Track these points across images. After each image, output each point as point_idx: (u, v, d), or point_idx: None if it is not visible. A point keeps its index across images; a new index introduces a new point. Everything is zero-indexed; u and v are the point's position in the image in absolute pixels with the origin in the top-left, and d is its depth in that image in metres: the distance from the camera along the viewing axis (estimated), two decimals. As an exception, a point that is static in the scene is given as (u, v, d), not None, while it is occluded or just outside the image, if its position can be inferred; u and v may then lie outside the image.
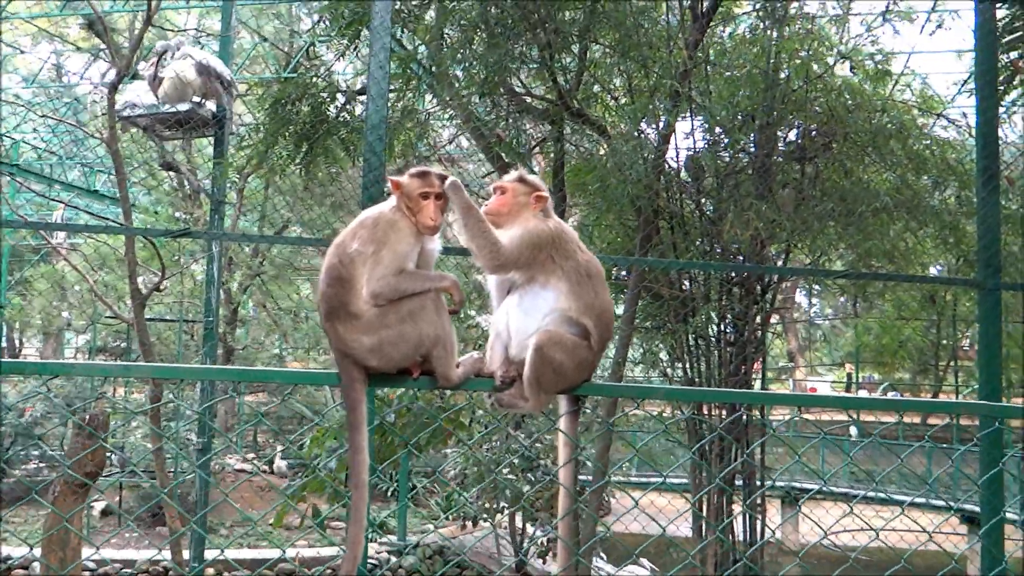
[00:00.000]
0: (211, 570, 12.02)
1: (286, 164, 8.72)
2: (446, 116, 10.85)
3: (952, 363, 28.09)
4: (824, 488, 18.33)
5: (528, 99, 9.39)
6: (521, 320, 2.94)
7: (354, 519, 2.75)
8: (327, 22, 9.34)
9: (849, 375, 30.08)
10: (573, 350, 2.86)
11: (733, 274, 9.04)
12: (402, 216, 2.90)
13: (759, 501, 9.46)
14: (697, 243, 9.20)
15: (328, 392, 18.50)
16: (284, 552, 12.92)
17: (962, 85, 14.15)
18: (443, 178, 2.94)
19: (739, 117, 8.75)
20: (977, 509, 18.05)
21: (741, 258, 8.96)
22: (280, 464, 18.30)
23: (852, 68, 9.34)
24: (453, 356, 2.86)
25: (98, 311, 18.73)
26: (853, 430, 23.07)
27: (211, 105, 10.54)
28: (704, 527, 9.08)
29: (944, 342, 26.89)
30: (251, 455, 20.04)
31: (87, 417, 6.90)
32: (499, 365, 2.99)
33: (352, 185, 13.96)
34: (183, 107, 10.37)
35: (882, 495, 17.48)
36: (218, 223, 10.06)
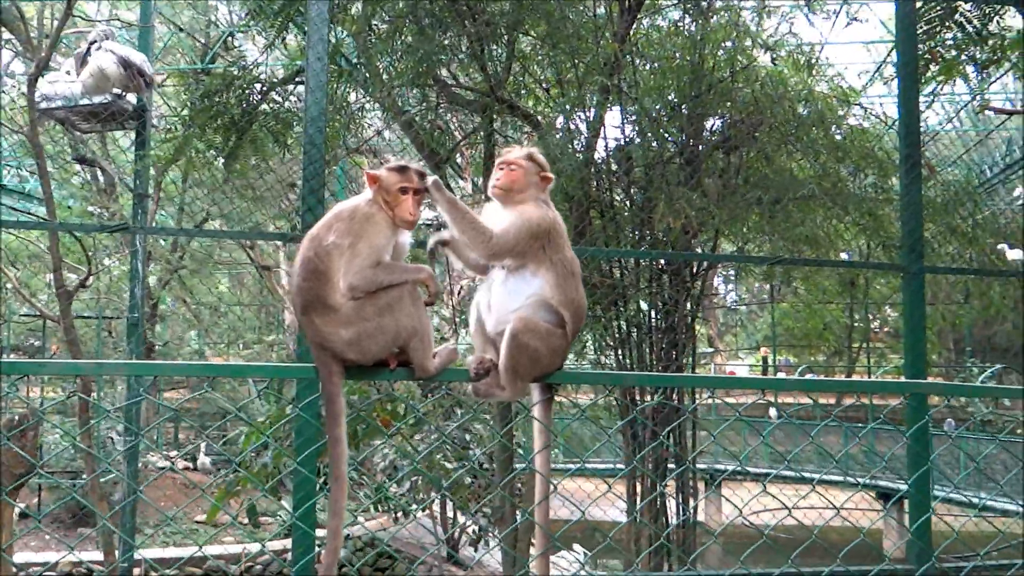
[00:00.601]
0: (137, 570, 11.78)
1: (213, 156, 8.56)
2: (374, 108, 10.77)
3: (865, 345, 28.96)
4: (744, 469, 18.78)
5: (458, 90, 9.39)
6: (504, 298, 2.99)
7: (333, 511, 2.76)
8: (252, 13, 9.19)
9: (765, 359, 30.79)
10: (547, 337, 2.91)
11: (663, 262, 9.19)
12: (378, 209, 2.91)
13: (691, 483, 9.66)
14: (628, 232, 9.31)
15: (251, 386, 18.26)
16: (201, 549, 12.72)
17: (873, 74, 14.62)
18: (422, 174, 2.96)
19: (667, 108, 8.89)
20: (891, 485, 18.72)
21: (670, 248, 9.10)
22: (204, 460, 18.00)
23: (773, 59, 9.57)
24: (430, 347, 2.89)
25: (10, 308, 18.13)
26: (772, 412, 23.65)
27: (131, 97, 10.28)
28: (636, 511, 9.24)
29: (857, 325, 27.69)
30: (173, 452, 19.66)
31: (14, 418, 6.72)
32: (476, 337, 3.04)
33: (275, 176, 13.77)
34: (101, 99, 10.09)
35: (802, 474, 17.99)
36: (141, 217, 9.83)
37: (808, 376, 27.46)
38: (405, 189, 2.92)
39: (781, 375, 29.12)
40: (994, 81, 12.43)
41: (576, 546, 14.22)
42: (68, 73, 9.75)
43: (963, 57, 8.28)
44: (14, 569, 11.81)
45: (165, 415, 19.19)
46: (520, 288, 2.98)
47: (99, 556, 10.32)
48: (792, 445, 20.04)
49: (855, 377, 27.63)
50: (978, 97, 13.94)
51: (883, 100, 15.76)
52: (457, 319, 12.35)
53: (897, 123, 6.73)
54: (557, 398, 3.30)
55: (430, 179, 2.97)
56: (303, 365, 2.98)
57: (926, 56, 7.74)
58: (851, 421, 21.95)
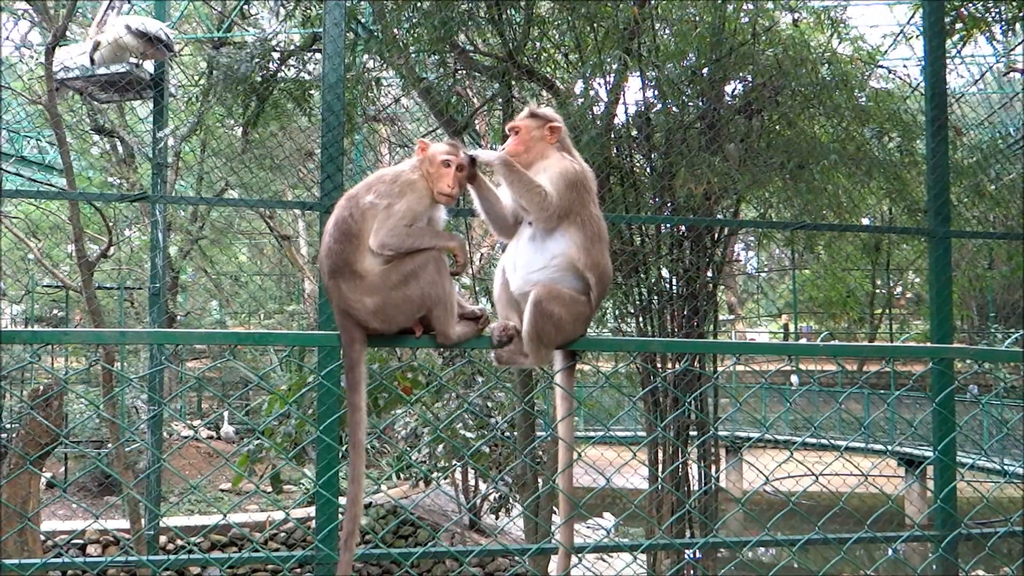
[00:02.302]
0: (164, 538, 11.93)
1: (232, 125, 8.56)
2: (391, 75, 10.73)
3: (887, 311, 28.78)
4: (766, 436, 18.76)
5: (476, 56, 9.32)
6: (530, 256, 2.97)
7: (353, 477, 2.77)
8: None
9: (786, 326, 30.66)
10: (571, 304, 2.89)
11: (684, 228, 9.14)
12: (421, 178, 2.91)
13: (714, 451, 9.66)
14: (649, 198, 9.26)
15: (272, 355, 18.37)
16: (225, 517, 12.84)
17: (897, 36, 14.41)
18: (472, 160, 2.95)
19: (688, 72, 8.80)
20: (914, 452, 18.67)
21: (691, 214, 9.05)
22: (227, 429, 18.15)
23: (795, 21, 9.45)
24: (453, 316, 2.88)
25: (33, 279, 18.28)
26: (794, 379, 23.60)
27: (149, 66, 10.27)
28: (660, 478, 9.26)
29: (879, 291, 27.51)
30: (197, 421, 19.84)
31: (40, 388, 6.77)
32: (500, 300, 3.03)
33: (293, 144, 13.75)
34: (119, 68, 10.08)
35: (823, 441, 17.94)
36: (160, 187, 9.86)
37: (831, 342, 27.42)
38: (448, 163, 2.91)
39: (803, 341, 29.11)
40: (1021, 43, 12.23)
41: (607, 514, 14.27)
42: (91, 43, 9.73)
43: (989, 16, 8.15)
44: (42, 537, 11.99)
45: (188, 384, 19.36)
46: (548, 247, 2.96)
47: (126, 524, 10.43)
48: (814, 412, 20.00)
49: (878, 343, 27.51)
50: (1003, 60, 13.73)
51: (907, 62, 15.55)
52: (477, 288, 12.34)
53: (922, 84, 6.63)
54: (579, 365, 3.29)
55: (482, 154, 2.95)
56: (325, 333, 2.99)
57: (952, 14, 7.61)
58: (875, 388, 21.88)
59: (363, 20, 9.23)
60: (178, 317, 18.97)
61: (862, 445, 18.61)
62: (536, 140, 3.09)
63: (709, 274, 9.45)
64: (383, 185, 2.86)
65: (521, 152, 3.06)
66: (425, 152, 2.95)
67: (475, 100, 10.89)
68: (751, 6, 8.84)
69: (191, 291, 22.62)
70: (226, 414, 18.17)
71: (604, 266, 2.98)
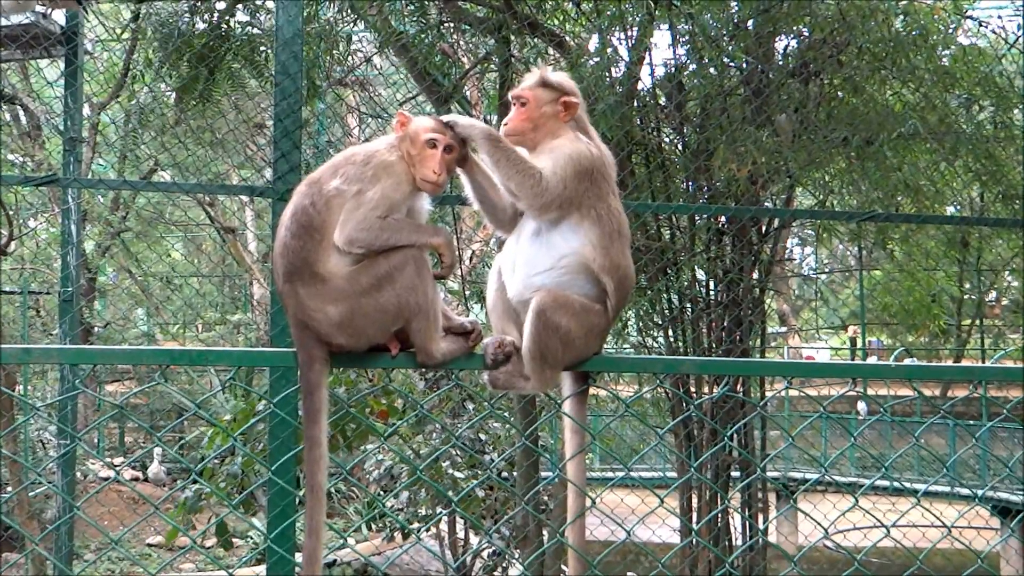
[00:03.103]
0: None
1: (168, 88, 8.58)
2: (361, 29, 10.74)
3: (978, 321, 28.77)
4: (826, 478, 18.77)
5: (466, 5, 9.34)
6: (533, 256, 2.95)
7: (311, 529, 2.78)
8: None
9: (853, 340, 30.65)
10: (582, 314, 2.89)
11: (724, 219, 9.15)
12: (400, 159, 2.90)
13: (761, 496, 9.66)
14: (680, 182, 9.27)
15: (213, 377, 18.37)
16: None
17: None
18: (462, 141, 2.95)
19: (729, 25, 8.81)
20: (1011, 497, 18.67)
21: (733, 202, 9.06)
22: (157, 469, 18.15)
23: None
24: (437, 329, 2.88)
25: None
26: (861, 406, 23.59)
27: (59, 16, 10.27)
28: (693, 530, 9.26)
29: (968, 297, 27.52)
30: (119, 459, 19.84)
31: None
32: (495, 310, 3.02)
33: (240, 115, 13.76)
34: (22, 19, 10.08)
35: (897, 484, 17.96)
36: (74, 167, 9.86)
37: (907, 361, 27.37)
38: (435, 142, 2.91)
39: (873, 360, 29.03)
40: None
41: (629, 575, 14.26)
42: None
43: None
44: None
45: (107, 413, 19.35)
46: (555, 244, 2.95)
47: (29, 587, 10.43)
48: (887, 448, 19.98)
49: (966, 363, 27.48)
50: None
51: (1002, 13, 15.55)
52: (468, 292, 12.35)
53: (1022, 39, 6.65)
54: (593, 390, 3.29)
55: (462, 120, 2.95)
56: (278, 351, 3.00)
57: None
58: (961, 418, 21.87)
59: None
60: (96, 329, 18.98)
61: (946, 489, 18.59)
62: (547, 117, 3.08)
63: (755, 276, 9.46)
64: (352, 167, 2.86)
65: (527, 130, 3.05)
66: (405, 128, 2.95)
67: (465, 60, 10.90)
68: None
69: (112, 296, 22.60)
70: (156, 450, 18.17)
71: (625, 268, 2.98)
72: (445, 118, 3.01)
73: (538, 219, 3.00)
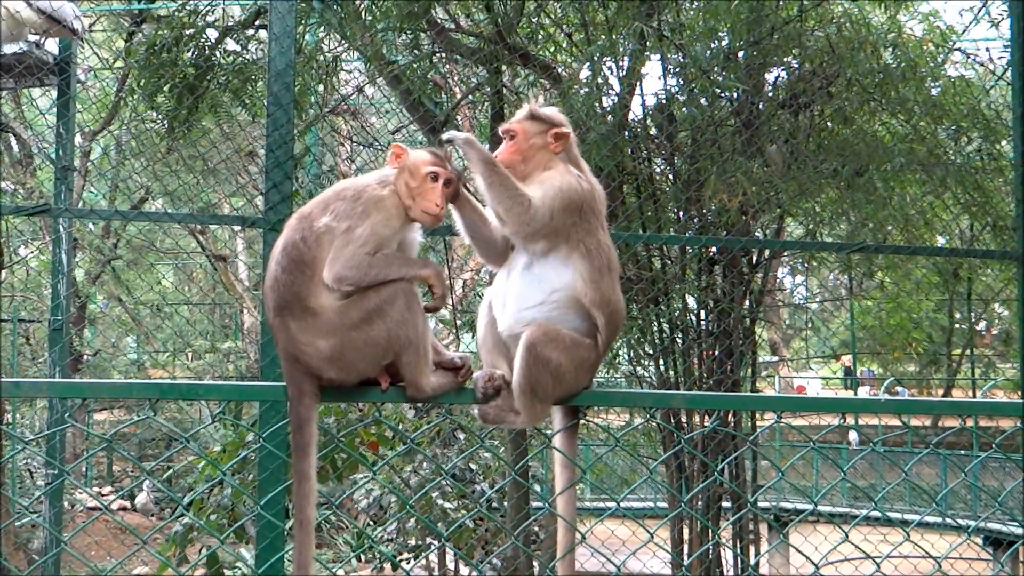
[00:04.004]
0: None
1: (156, 120, 8.58)
2: (353, 59, 10.78)
3: (968, 351, 28.78)
4: (819, 509, 18.70)
5: (458, 35, 9.37)
6: (523, 290, 2.95)
7: (299, 563, 2.76)
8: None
9: (848, 369, 30.61)
10: (572, 348, 2.88)
11: (715, 250, 9.16)
12: (392, 194, 2.90)
13: (752, 527, 9.63)
14: (671, 212, 9.29)
15: (203, 406, 18.29)
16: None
17: (979, 12, 14.52)
18: (458, 175, 2.97)
19: (720, 56, 8.85)
20: (1003, 529, 18.61)
21: (724, 232, 9.07)
22: (145, 499, 18.05)
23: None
24: (427, 363, 2.87)
25: None
26: (853, 436, 23.56)
27: (52, 46, 10.29)
28: (684, 561, 9.22)
29: (958, 326, 27.54)
30: (107, 489, 19.73)
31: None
32: (485, 344, 3.01)
33: (232, 144, 13.78)
34: (15, 49, 10.10)
35: (889, 515, 17.91)
36: (65, 195, 9.85)
37: (897, 391, 27.35)
38: (436, 175, 2.92)
39: (864, 391, 29.02)
40: None
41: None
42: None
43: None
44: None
45: (97, 445, 19.27)
46: (546, 278, 2.95)
47: (15, 619, 10.33)
48: (878, 478, 19.94)
49: (956, 392, 27.47)
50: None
51: (990, 45, 15.65)
52: (459, 322, 12.33)
53: (1009, 72, 6.68)
54: (584, 420, 3.28)
55: (461, 135, 2.96)
56: (267, 385, 2.99)
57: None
58: (952, 448, 21.85)
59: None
60: (85, 357, 18.93)
61: (938, 520, 18.54)
62: (536, 149, 3.08)
63: (746, 306, 9.46)
64: (343, 203, 2.86)
65: (517, 162, 3.06)
66: (402, 160, 2.95)
67: (457, 90, 10.93)
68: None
69: (102, 324, 22.56)
70: (145, 483, 18.07)
71: (615, 303, 2.98)
72: (445, 135, 3.01)
73: (524, 247, 3.00)
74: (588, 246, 2.96)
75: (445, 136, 3.01)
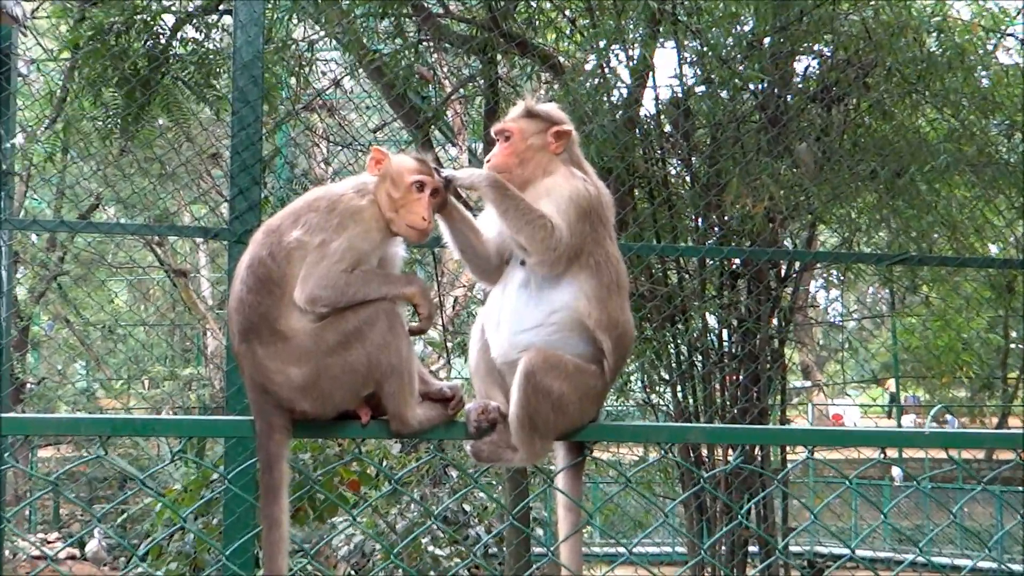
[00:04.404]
0: None
1: (106, 118, 8.58)
2: (330, 48, 10.79)
3: (1026, 375, 28.69)
4: (857, 553, 18.59)
5: (447, 22, 9.39)
6: (520, 309, 2.94)
7: (269, 624, 2.74)
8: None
9: (894, 395, 30.50)
10: (576, 376, 2.86)
11: (738, 262, 9.16)
12: (371, 203, 2.89)
13: (781, 574, 9.61)
14: (688, 220, 9.28)
15: (162, 441, 18.22)
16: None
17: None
18: (448, 183, 2.97)
19: (742, 44, 8.86)
20: (1066, 574, 18.53)
21: (748, 242, 9.07)
22: (96, 547, 17.97)
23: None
24: (413, 392, 2.85)
25: None
26: (896, 472, 23.45)
27: (-11, 36, 10.30)
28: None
29: (1015, 346, 27.47)
30: (53, 536, 19.65)
31: None
32: (478, 372, 3.00)
33: (193, 146, 13.77)
34: (-53, 39, 10.12)
35: (937, 560, 17.85)
36: (5, 203, 9.86)
37: (946, 420, 27.28)
38: (422, 184, 2.92)
39: (909, 420, 28.94)
40: None
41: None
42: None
43: None
44: None
45: (41, 487, 19.20)
46: (546, 296, 2.94)
47: None
48: (924, 519, 19.88)
49: (1013, 421, 27.40)
50: None
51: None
52: (449, 344, 12.32)
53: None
54: (591, 457, 3.27)
55: (460, 174, 2.96)
56: (233, 419, 2.99)
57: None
58: (1008, 484, 21.77)
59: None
60: (28, 385, 18.86)
61: (992, 566, 18.50)
62: (535, 150, 3.08)
63: (774, 325, 9.46)
64: (315, 215, 2.86)
65: (513, 165, 3.06)
66: (383, 167, 2.94)
67: (446, 83, 10.94)
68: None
69: (47, 349, 22.51)
70: (97, 529, 18.00)
71: (623, 325, 2.97)
72: (445, 174, 3.00)
73: (547, 272, 2.99)
74: (596, 259, 2.96)
75: (445, 175, 3.00)
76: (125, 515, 17.31)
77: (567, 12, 9.77)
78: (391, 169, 2.94)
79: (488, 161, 3.08)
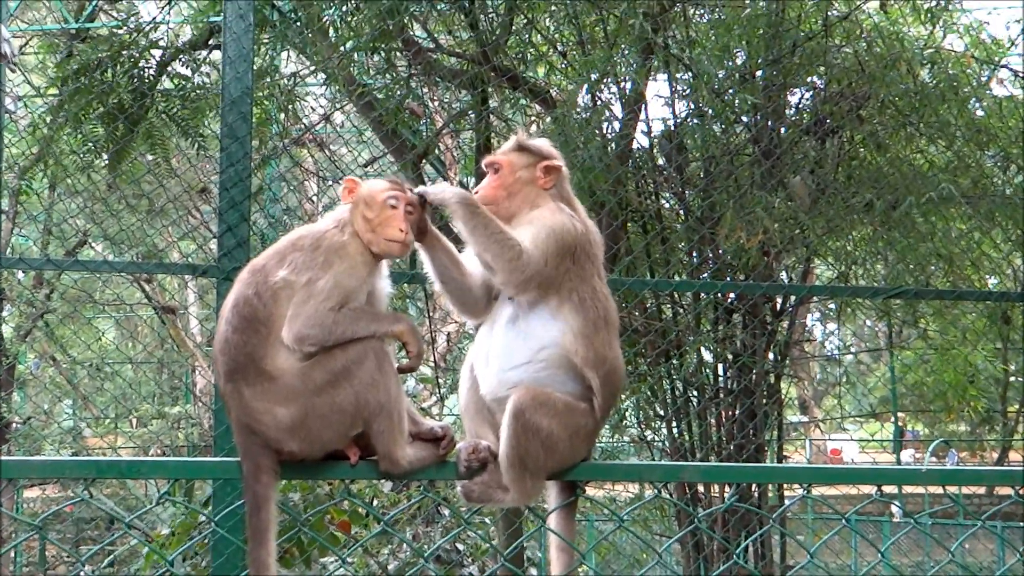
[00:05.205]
0: None
1: (94, 154, 8.60)
2: (319, 82, 10.82)
3: (1026, 407, 28.66)
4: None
5: (438, 56, 9.42)
6: (508, 345, 2.94)
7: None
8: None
9: (900, 428, 30.42)
10: (566, 414, 2.87)
11: (733, 296, 9.16)
12: (353, 238, 2.91)
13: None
14: (682, 254, 9.30)
15: (151, 482, 18.14)
16: None
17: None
18: (424, 202, 2.99)
19: (735, 76, 8.90)
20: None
21: (743, 276, 9.07)
22: (82, 590, 17.87)
23: (883, 6, 9.60)
24: (403, 432, 2.84)
25: None
26: (896, 509, 23.39)
27: (-25, 71, 10.33)
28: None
29: (1015, 379, 27.46)
30: (38, 578, 19.53)
31: None
32: (468, 410, 2.99)
33: (181, 181, 13.79)
34: (-66, 75, 10.14)
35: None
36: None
37: (950, 457, 27.24)
38: (395, 200, 2.93)
39: (908, 455, 28.89)
40: None
41: None
42: None
43: None
44: None
45: (27, 529, 19.12)
46: (534, 333, 2.94)
47: None
48: (923, 557, 19.83)
49: (1014, 456, 27.36)
50: None
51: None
52: (441, 380, 12.30)
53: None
54: (588, 489, 3.27)
55: (429, 189, 2.98)
56: (220, 461, 2.99)
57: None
58: (1010, 519, 21.71)
59: (280, 4, 9.31)
60: (14, 425, 18.79)
61: (994, 603, 18.44)
62: (523, 183, 3.10)
63: (770, 359, 9.46)
64: (300, 254, 2.86)
65: (501, 198, 3.07)
66: (356, 194, 2.96)
67: (437, 117, 10.97)
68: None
69: (33, 387, 22.45)
70: (83, 572, 17.91)
71: (612, 361, 2.97)
72: (418, 190, 3.03)
73: (514, 297, 3.00)
74: (581, 295, 2.96)
75: (418, 190, 3.02)
76: (112, 557, 17.23)
77: (559, 45, 9.79)
78: (363, 193, 2.97)
79: (476, 192, 3.09)
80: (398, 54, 9.24)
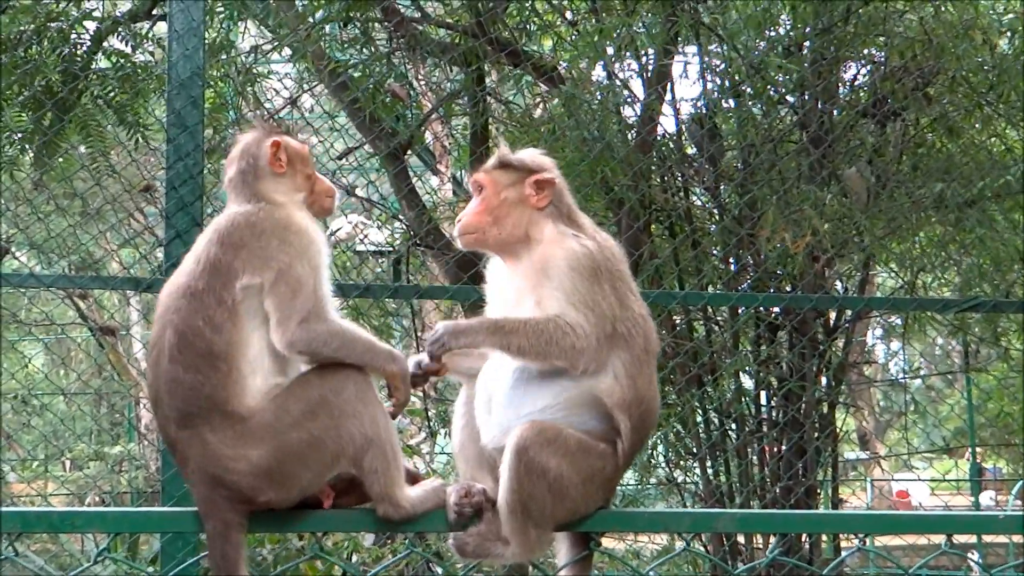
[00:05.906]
0: None
1: (18, 147, 8.60)
2: (283, 58, 10.82)
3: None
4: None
5: (426, 28, 9.44)
6: (521, 388, 2.91)
7: None
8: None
9: (979, 466, 30.30)
10: (579, 454, 2.84)
11: (777, 310, 9.15)
12: (293, 208, 2.90)
13: None
14: (716, 260, 9.29)
15: (89, 539, 18.15)
16: None
17: None
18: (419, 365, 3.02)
19: (778, 49, 8.90)
20: None
21: (789, 286, 9.07)
22: (6, 666, 17.87)
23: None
24: (399, 467, 2.80)
25: None
26: (975, 560, 23.34)
27: None
28: None
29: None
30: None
31: None
32: (462, 453, 2.97)
33: (121, 179, 13.80)
34: None
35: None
36: None
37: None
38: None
39: (987, 497, 28.83)
40: None
41: None
42: None
43: None
44: None
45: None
46: (557, 375, 2.91)
47: None
48: (1007, 616, 19.76)
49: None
50: None
51: None
52: (431, 413, 12.30)
53: None
54: (607, 541, 3.26)
55: (439, 330, 2.98)
56: (171, 511, 2.98)
57: None
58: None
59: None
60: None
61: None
62: (510, 205, 3.07)
63: (823, 384, 9.44)
64: (244, 251, 2.83)
65: (486, 224, 3.04)
66: (285, 150, 2.96)
67: (425, 100, 10.96)
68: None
69: (-52, 424, 22.52)
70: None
71: (649, 401, 2.95)
72: (412, 360, 3.02)
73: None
74: (628, 326, 2.94)
75: (413, 360, 3.02)
76: (44, 624, 17.23)
77: (567, 14, 9.77)
78: (295, 150, 2.98)
79: (459, 221, 3.07)
80: (377, 24, 9.23)
